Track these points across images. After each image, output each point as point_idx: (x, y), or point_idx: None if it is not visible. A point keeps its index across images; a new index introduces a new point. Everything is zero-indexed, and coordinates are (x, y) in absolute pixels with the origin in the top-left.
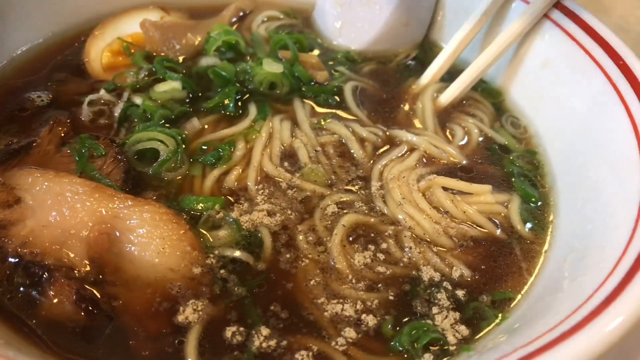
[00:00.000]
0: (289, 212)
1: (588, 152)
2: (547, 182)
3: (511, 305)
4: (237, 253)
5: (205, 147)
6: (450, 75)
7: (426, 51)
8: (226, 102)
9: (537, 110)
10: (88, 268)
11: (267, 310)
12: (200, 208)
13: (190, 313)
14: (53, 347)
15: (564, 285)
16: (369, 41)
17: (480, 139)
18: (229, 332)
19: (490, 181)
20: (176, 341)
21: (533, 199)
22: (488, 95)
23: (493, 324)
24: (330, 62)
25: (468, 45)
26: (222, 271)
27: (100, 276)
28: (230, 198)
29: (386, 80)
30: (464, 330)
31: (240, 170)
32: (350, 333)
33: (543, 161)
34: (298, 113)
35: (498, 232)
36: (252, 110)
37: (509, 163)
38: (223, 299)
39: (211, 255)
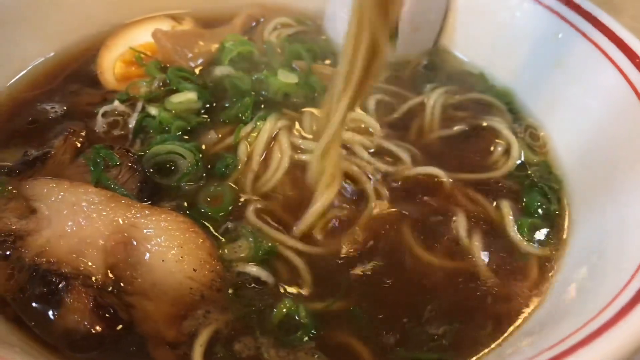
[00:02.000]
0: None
1: (604, 153)
2: (560, 187)
3: (528, 312)
4: (254, 266)
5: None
6: (458, 80)
7: (437, 57)
8: (246, 114)
9: (550, 111)
10: (105, 277)
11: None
12: (216, 218)
13: (208, 322)
14: (70, 356)
15: (584, 287)
16: None
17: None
18: (243, 344)
19: (505, 191)
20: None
21: (544, 207)
22: (498, 97)
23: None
24: None
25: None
26: (239, 282)
27: (118, 285)
28: (246, 206)
29: (401, 89)
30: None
31: (252, 177)
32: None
33: (555, 165)
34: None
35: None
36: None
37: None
38: (239, 311)
39: (229, 265)
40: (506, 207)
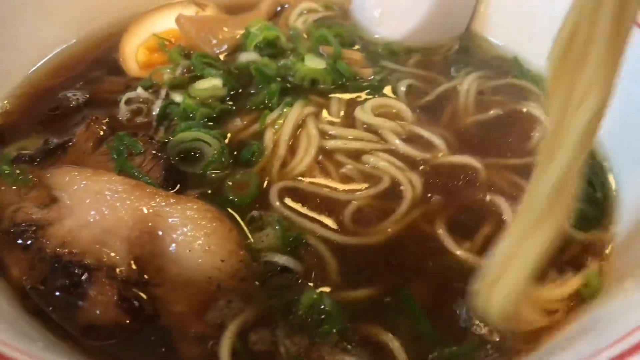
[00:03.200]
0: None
1: None
2: (603, 172)
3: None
4: (281, 255)
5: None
6: (492, 65)
7: (470, 42)
8: (272, 100)
9: None
10: (130, 268)
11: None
12: (243, 206)
13: (235, 314)
14: (93, 350)
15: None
16: (409, 31)
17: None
18: (270, 335)
19: None
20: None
21: (588, 192)
22: (534, 83)
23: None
24: (372, 56)
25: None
26: (266, 272)
27: (143, 276)
28: (273, 193)
29: (433, 74)
30: None
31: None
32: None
33: (596, 150)
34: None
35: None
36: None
37: None
38: (267, 301)
39: (256, 255)
40: None
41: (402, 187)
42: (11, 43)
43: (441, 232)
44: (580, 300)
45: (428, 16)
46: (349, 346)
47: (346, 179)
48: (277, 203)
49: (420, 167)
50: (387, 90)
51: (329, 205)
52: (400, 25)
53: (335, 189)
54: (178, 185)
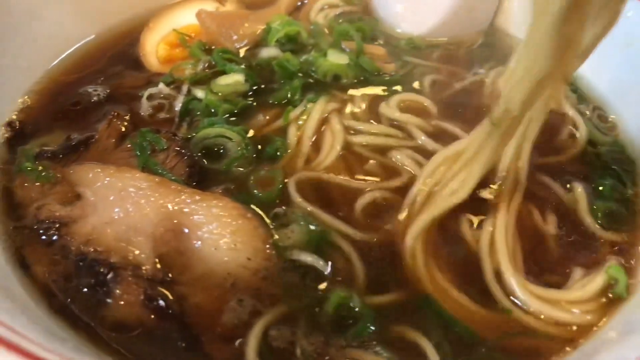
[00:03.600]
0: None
1: None
2: (635, 169)
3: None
4: (307, 253)
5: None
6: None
7: (493, 38)
8: (295, 96)
9: (620, 93)
10: (155, 266)
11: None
12: (267, 203)
13: (262, 313)
14: (120, 350)
15: None
16: (432, 26)
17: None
18: (297, 335)
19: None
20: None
21: (619, 190)
22: None
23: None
24: (394, 51)
25: None
26: (292, 270)
27: (168, 275)
28: (297, 190)
29: (457, 68)
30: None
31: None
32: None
33: (628, 147)
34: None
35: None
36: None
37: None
38: (293, 301)
39: (281, 253)
40: (579, 190)
41: None
42: (31, 38)
43: (466, 228)
44: (613, 300)
45: (451, 11)
46: (378, 348)
47: (371, 175)
48: (300, 199)
49: None
50: (411, 85)
51: (353, 201)
52: (423, 20)
53: (360, 186)
54: (202, 183)
